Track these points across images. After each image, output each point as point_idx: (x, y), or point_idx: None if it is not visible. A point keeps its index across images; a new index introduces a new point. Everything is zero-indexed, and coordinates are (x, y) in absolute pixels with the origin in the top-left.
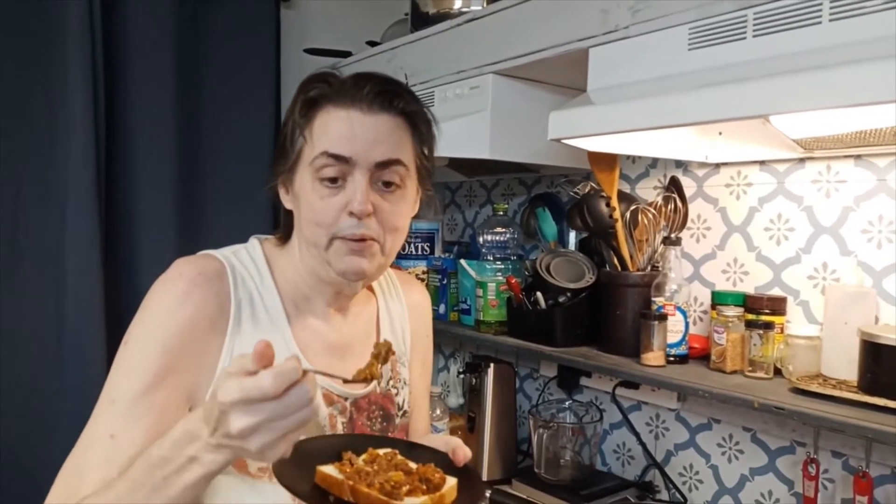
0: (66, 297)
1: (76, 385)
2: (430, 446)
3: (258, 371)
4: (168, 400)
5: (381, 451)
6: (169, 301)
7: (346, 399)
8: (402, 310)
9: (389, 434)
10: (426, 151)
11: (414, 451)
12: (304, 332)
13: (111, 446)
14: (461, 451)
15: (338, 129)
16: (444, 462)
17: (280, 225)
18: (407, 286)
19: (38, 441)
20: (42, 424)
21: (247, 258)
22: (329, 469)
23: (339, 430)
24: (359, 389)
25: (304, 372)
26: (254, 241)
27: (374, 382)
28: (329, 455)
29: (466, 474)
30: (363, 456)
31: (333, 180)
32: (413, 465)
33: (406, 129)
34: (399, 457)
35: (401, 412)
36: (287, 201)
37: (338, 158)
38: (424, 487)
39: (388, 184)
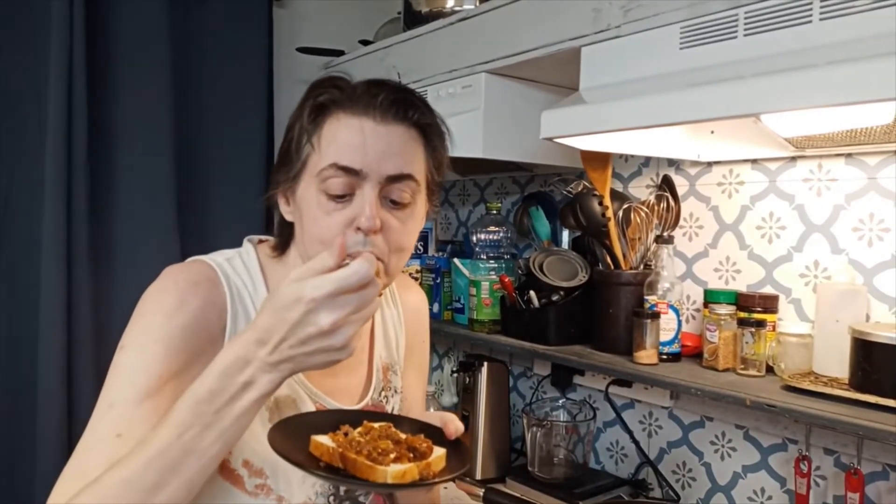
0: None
1: (56, 391)
2: (426, 422)
3: (340, 265)
4: (172, 405)
5: (376, 424)
6: (165, 306)
7: None
8: (397, 314)
9: None
10: (437, 166)
11: (409, 425)
12: None
13: (118, 444)
14: (452, 425)
15: (348, 139)
16: (438, 436)
17: (273, 227)
18: (403, 288)
19: (18, 446)
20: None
21: (241, 266)
22: (323, 438)
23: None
24: (351, 405)
25: None
26: (248, 247)
27: (368, 398)
28: (326, 429)
29: (456, 447)
30: (359, 428)
31: (341, 197)
32: (404, 437)
33: (419, 142)
34: (393, 429)
35: None
36: (287, 213)
37: (347, 171)
38: (411, 455)
39: (396, 202)
